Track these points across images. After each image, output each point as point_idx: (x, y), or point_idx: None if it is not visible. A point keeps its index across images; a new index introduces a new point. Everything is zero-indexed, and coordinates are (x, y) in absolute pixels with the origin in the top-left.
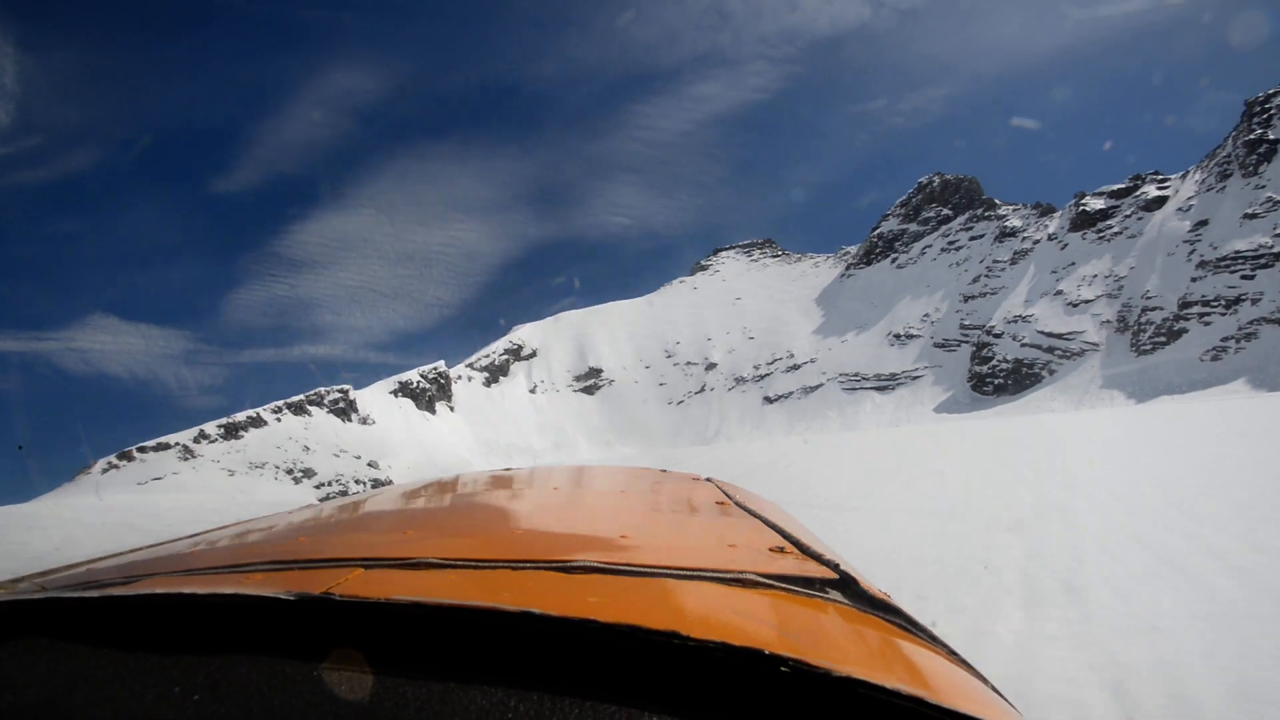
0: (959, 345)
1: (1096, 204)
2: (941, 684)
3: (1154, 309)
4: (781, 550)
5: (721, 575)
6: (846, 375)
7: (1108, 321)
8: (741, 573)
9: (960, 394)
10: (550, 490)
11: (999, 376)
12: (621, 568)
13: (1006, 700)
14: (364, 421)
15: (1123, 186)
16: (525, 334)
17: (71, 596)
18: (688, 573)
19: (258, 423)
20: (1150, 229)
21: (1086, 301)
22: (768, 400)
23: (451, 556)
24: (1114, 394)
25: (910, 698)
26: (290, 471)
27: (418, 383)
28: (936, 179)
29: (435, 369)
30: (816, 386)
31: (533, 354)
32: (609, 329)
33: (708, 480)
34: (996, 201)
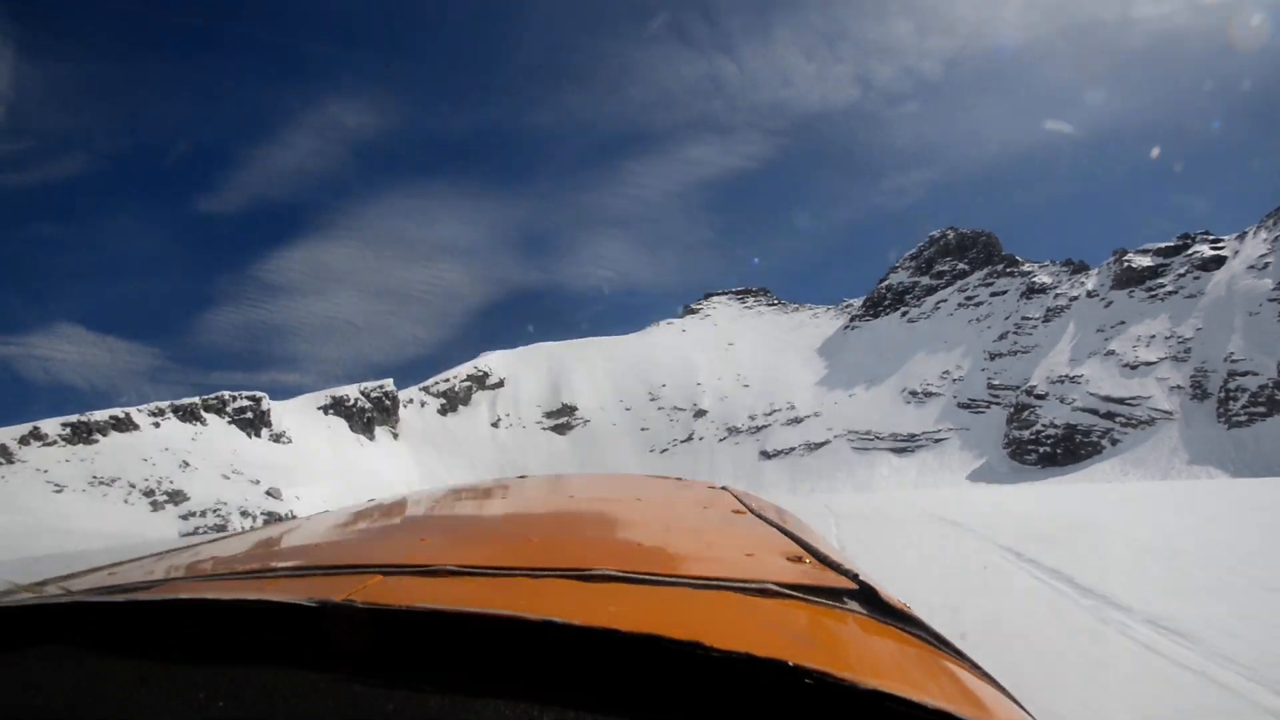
0: (988, 406)
1: (1143, 261)
2: (967, 698)
3: (1244, 374)
4: (800, 559)
5: (741, 585)
6: (856, 433)
7: (1178, 387)
8: (761, 582)
9: (995, 460)
10: (567, 498)
11: (1044, 443)
12: (641, 576)
13: (1029, 713)
14: (276, 439)
15: (1171, 245)
16: (493, 361)
17: (97, 601)
18: (707, 582)
19: (124, 425)
20: (1214, 288)
21: (1148, 364)
22: (765, 455)
23: (470, 564)
24: (1208, 469)
25: (936, 712)
26: (150, 494)
27: (355, 400)
28: (951, 233)
29: (381, 387)
30: (822, 443)
31: (499, 383)
32: (587, 364)
33: (724, 488)
34: (1018, 258)
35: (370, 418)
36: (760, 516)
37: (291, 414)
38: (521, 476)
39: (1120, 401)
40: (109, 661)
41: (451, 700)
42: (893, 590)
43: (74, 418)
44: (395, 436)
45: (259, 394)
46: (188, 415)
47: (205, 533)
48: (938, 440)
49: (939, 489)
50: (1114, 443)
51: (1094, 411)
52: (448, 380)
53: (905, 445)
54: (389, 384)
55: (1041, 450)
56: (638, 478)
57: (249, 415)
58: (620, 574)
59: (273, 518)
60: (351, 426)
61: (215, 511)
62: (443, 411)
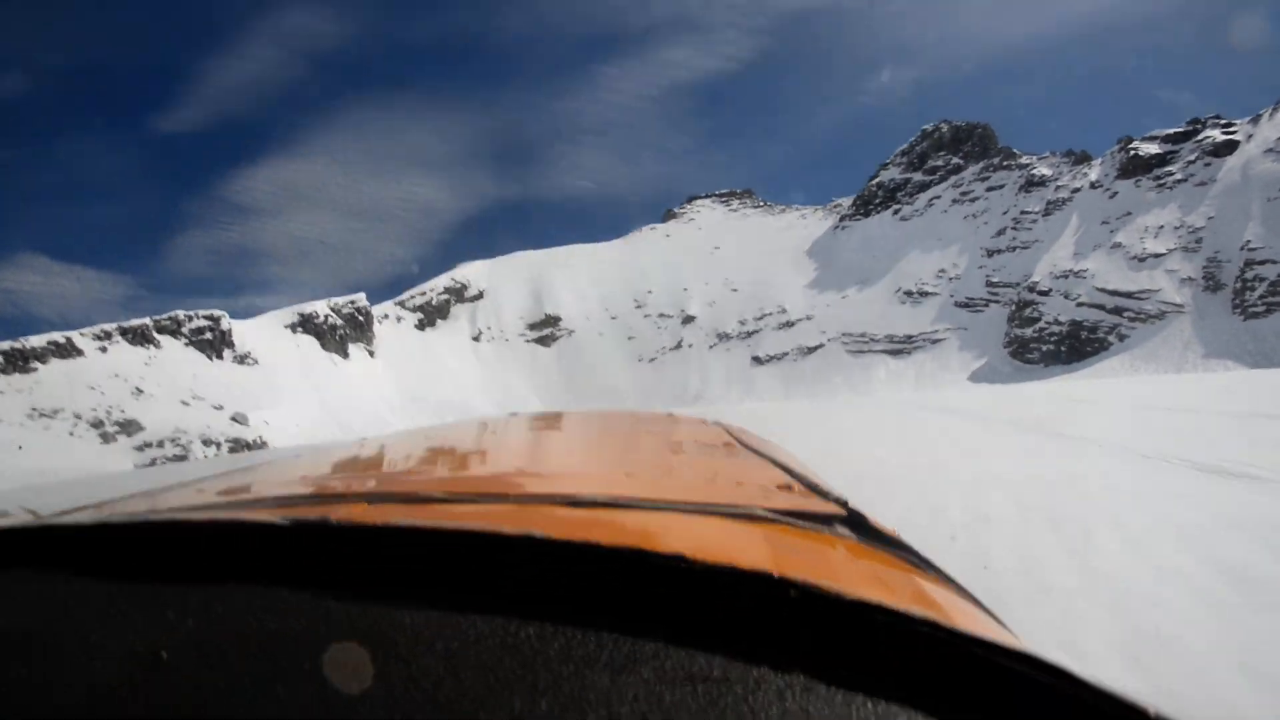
0: (986, 305)
1: (1150, 149)
2: (951, 613)
3: (1262, 263)
4: (789, 488)
5: (728, 510)
6: (851, 335)
7: (1190, 279)
8: (749, 507)
9: (997, 360)
10: (558, 431)
11: (1048, 341)
12: (629, 501)
13: (1014, 634)
14: (241, 360)
15: (1180, 130)
16: (471, 272)
17: (64, 524)
18: (695, 507)
19: (65, 351)
20: (1226, 175)
21: (1157, 255)
22: (757, 360)
23: (457, 491)
24: (1225, 363)
25: (923, 620)
26: (99, 425)
27: (326, 317)
28: (944, 126)
29: (352, 302)
30: (815, 347)
31: (479, 295)
32: (570, 273)
33: (715, 423)
34: (1015, 151)
35: (343, 335)
36: (750, 448)
37: (257, 333)
38: (513, 414)
39: (1128, 296)
40: (77, 583)
41: (428, 616)
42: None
43: (6, 344)
44: (371, 354)
45: (217, 312)
46: (138, 338)
47: (164, 464)
48: (935, 341)
49: (940, 391)
50: (1122, 338)
51: (1100, 307)
52: (424, 294)
53: (902, 347)
54: (361, 298)
55: (1045, 348)
56: (630, 413)
57: (208, 336)
58: (608, 499)
59: (239, 445)
60: (324, 345)
61: (174, 441)
62: (420, 326)
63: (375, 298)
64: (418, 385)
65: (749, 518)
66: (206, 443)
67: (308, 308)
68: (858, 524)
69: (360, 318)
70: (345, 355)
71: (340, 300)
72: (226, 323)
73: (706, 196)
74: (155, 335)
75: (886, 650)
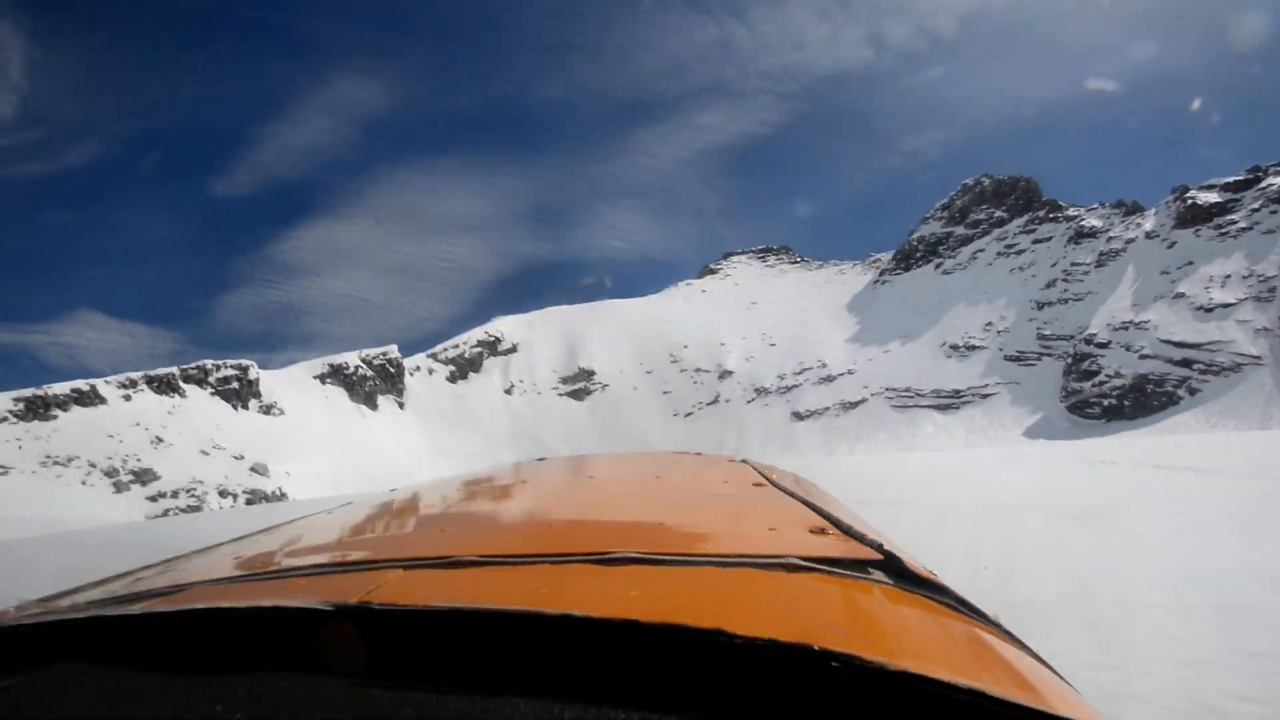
0: (1039, 358)
1: (1209, 197)
2: (998, 670)
3: None
4: (823, 531)
5: (763, 561)
6: (895, 390)
7: (1266, 329)
8: (783, 556)
9: (1054, 415)
10: (587, 479)
11: (1109, 395)
12: (661, 558)
13: (1066, 681)
14: (266, 410)
15: (1240, 179)
16: (505, 326)
17: (113, 615)
18: (728, 560)
19: (88, 399)
20: None
21: (1226, 306)
22: (797, 416)
23: (489, 554)
24: None
25: (968, 690)
26: (113, 474)
27: (356, 368)
28: (986, 180)
29: (384, 353)
30: (858, 402)
31: (512, 349)
32: (604, 328)
33: (743, 461)
34: (1061, 203)
35: (372, 387)
36: (781, 488)
37: (285, 384)
38: (540, 459)
39: (1197, 347)
40: (130, 676)
41: (471, 700)
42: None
43: (29, 392)
44: (401, 406)
45: (246, 362)
46: (164, 387)
47: (176, 515)
48: (985, 396)
49: (994, 447)
50: (1193, 392)
51: (1166, 359)
52: (457, 346)
53: (950, 402)
54: (393, 350)
55: (1106, 403)
56: (656, 455)
57: (234, 385)
58: (641, 556)
59: (256, 496)
60: (352, 396)
61: (189, 491)
62: (452, 379)
63: (411, 350)
64: (447, 438)
65: (785, 568)
66: (223, 494)
67: (338, 359)
68: (895, 568)
69: (391, 369)
70: (374, 407)
71: (372, 351)
72: (254, 372)
73: (743, 253)
74: (181, 384)
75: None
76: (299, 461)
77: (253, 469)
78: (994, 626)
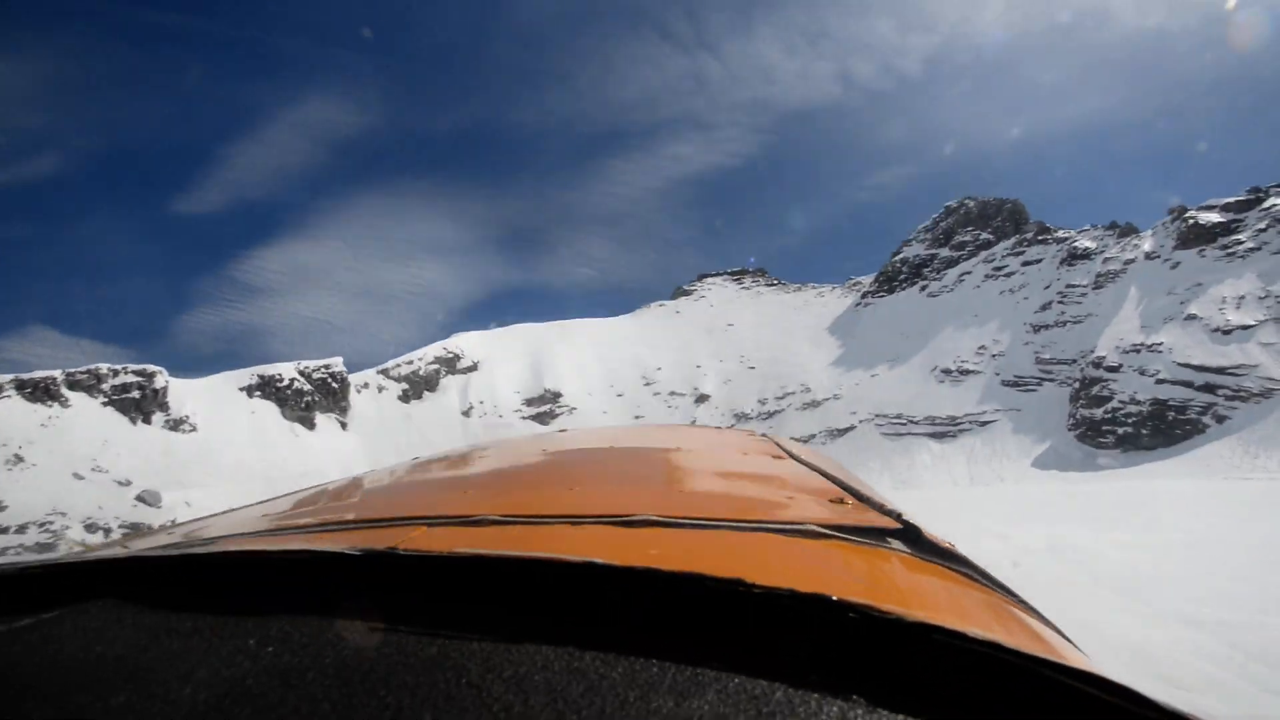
0: (1039, 384)
1: (1210, 217)
2: (1012, 630)
3: None
4: (841, 501)
5: (782, 527)
6: (886, 417)
7: None
8: (802, 523)
9: (1061, 444)
10: (607, 448)
11: (1124, 423)
12: (681, 521)
13: (1078, 648)
14: (174, 426)
15: (1241, 199)
16: (466, 342)
17: (152, 555)
18: (748, 524)
19: None
20: None
21: (1245, 328)
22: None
23: (512, 513)
24: None
25: (984, 642)
26: None
27: (291, 381)
28: (970, 202)
29: (326, 366)
30: (847, 429)
31: (473, 367)
32: (572, 347)
33: (764, 435)
34: (1049, 225)
35: (310, 402)
36: (801, 460)
37: (200, 396)
38: (562, 430)
39: (1220, 371)
40: (164, 614)
41: (494, 645)
42: None
43: None
44: (344, 426)
45: (152, 368)
46: (39, 393)
47: (18, 554)
48: (984, 423)
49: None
50: (1219, 419)
51: (1188, 384)
52: (411, 363)
53: (946, 429)
54: (337, 363)
55: (1121, 431)
56: (677, 427)
57: (135, 395)
58: (661, 519)
59: (134, 531)
60: (285, 413)
61: (44, 526)
62: (405, 398)
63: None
64: (395, 462)
65: (803, 533)
66: (91, 528)
67: (270, 369)
68: (913, 537)
69: (334, 384)
70: (311, 426)
71: (312, 364)
72: (162, 380)
73: (717, 274)
74: (64, 391)
75: (947, 671)
76: (206, 488)
77: (139, 498)
78: (1011, 596)
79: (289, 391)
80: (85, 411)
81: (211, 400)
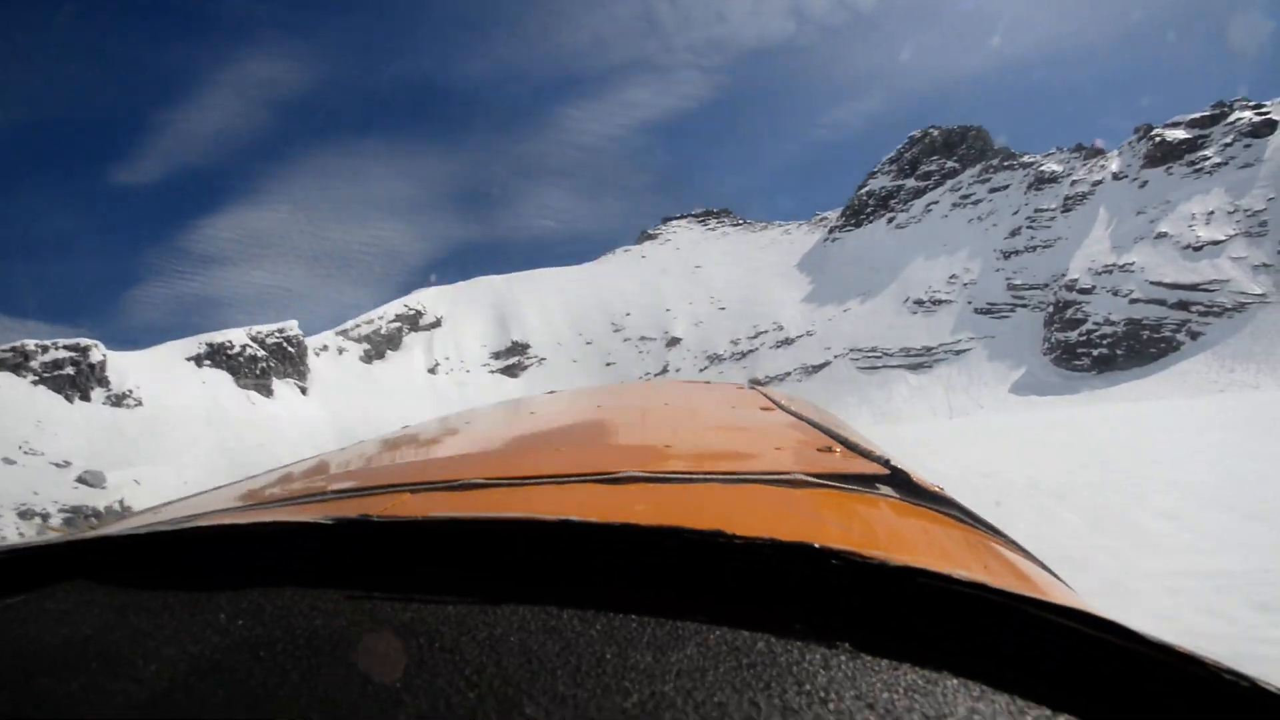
0: (1012, 310)
1: (1176, 134)
2: (1001, 571)
3: None
4: (830, 450)
5: (768, 477)
6: (860, 351)
7: (1266, 265)
8: (789, 473)
9: (1038, 369)
10: (594, 407)
11: (1099, 344)
12: (667, 475)
13: (1068, 586)
14: (117, 401)
15: (1206, 114)
16: (428, 298)
17: (119, 534)
18: (734, 477)
19: None
20: (1275, 154)
21: (1216, 243)
22: (756, 382)
23: (496, 475)
24: None
25: (970, 584)
26: None
27: (244, 347)
28: (935, 131)
29: (281, 330)
30: (822, 365)
31: (436, 323)
32: (538, 297)
33: (752, 388)
34: (1014, 151)
35: (265, 368)
36: (790, 412)
37: (145, 368)
38: (551, 391)
39: (1193, 288)
40: (134, 593)
41: (470, 608)
42: None
43: None
44: (304, 391)
45: (86, 341)
46: None
47: None
48: (959, 352)
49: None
50: (1194, 336)
51: (1160, 302)
52: (372, 322)
53: (921, 360)
54: (292, 326)
55: (1097, 352)
56: (665, 383)
57: (69, 371)
58: (646, 475)
59: (81, 514)
60: (239, 381)
61: None
62: (367, 359)
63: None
64: (361, 426)
65: (790, 483)
66: (25, 515)
67: (219, 336)
68: (902, 482)
69: (290, 348)
70: (268, 393)
71: (265, 328)
72: (99, 353)
73: (682, 217)
74: None
75: (934, 614)
76: (156, 464)
77: (81, 479)
78: (1000, 536)
79: (241, 359)
80: (13, 392)
81: (157, 373)
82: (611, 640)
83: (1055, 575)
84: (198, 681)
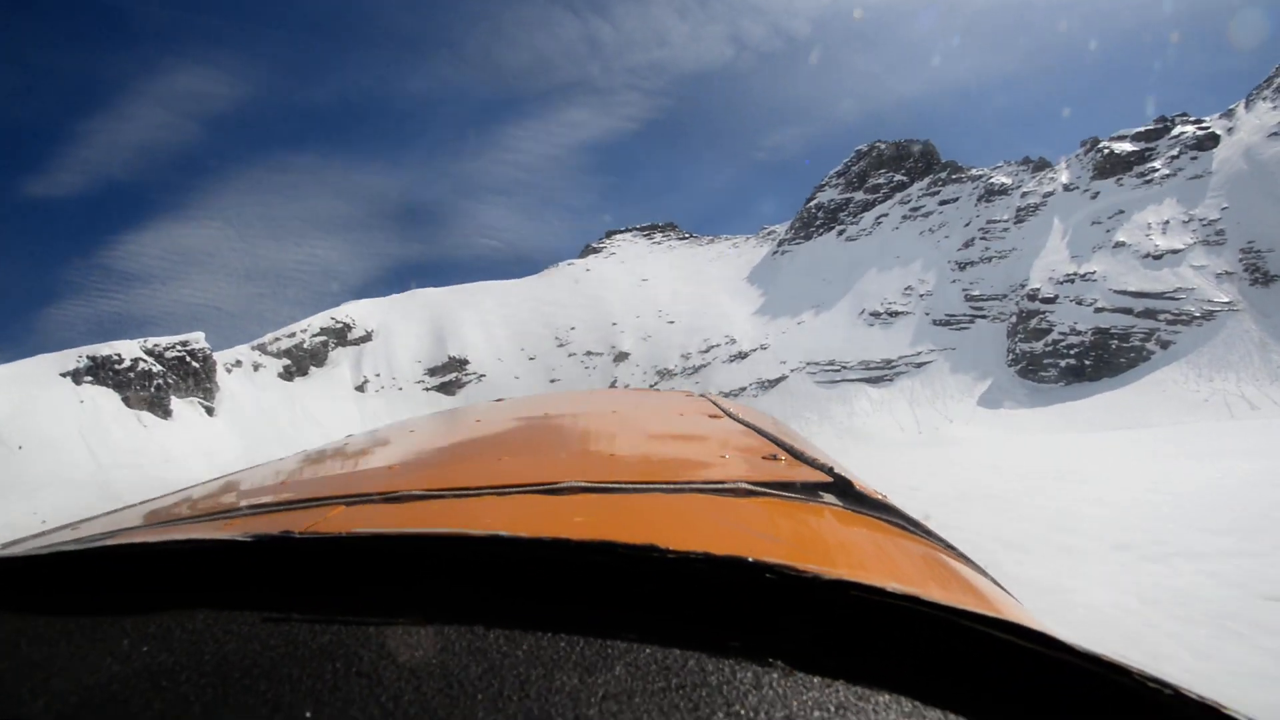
0: (972, 321)
1: (1124, 147)
2: (938, 580)
3: None
4: (774, 458)
5: (711, 486)
6: (817, 365)
7: (1228, 273)
8: (733, 482)
9: (1004, 380)
10: (540, 416)
11: (1066, 355)
12: (609, 485)
13: (1008, 592)
14: None
15: (1151, 128)
16: (358, 311)
17: (17, 556)
18: (676, 486)
19: None
20: (1225, 165)
21: (1175, 251)
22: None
23: (435, 487)
24: None
25: (903, 596)
26: None
27: (135, 361)
28: (882, 144)
29: (183, 343)
30: (778, 380)
31: (366, 337)
32: (477, 310)
33: (701, 396)
34: (961, 164)
35: (162, 385)
36: (736, 419)
37: (8, 386)
38: (499, 400)
39: (1159, 296)
40: (29, 618)
41: (393, 630)
42: None
43: None
44: (210, 412)
45: None
46: None
47: None
48: (920, 364)
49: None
50: (1164, 345)
51: (1127, 311)
52: (294, 335)
53: (882, 373)
54: (197, 338)
55: (1065, 363)
56: (613, 391)
57: None
58: (588, 485)
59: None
60: (129, 400)
61: None
62: (287, 375)
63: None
64: (275, 448)
65: (733, 492)
66: None
67: (106, 349)
68: (844, 490)
69: (194, 363)
70: (165, 414)
71: (164, 340)
72: None
73: (626, 230)
74: None
75: (867, 628)
76: (12, 501)
77: None
78: (943, 544)
79: (132, 374)
80: None
81: (21, 389)
82: (537, 661)
83: (996, 582)
84: (88, 716)
